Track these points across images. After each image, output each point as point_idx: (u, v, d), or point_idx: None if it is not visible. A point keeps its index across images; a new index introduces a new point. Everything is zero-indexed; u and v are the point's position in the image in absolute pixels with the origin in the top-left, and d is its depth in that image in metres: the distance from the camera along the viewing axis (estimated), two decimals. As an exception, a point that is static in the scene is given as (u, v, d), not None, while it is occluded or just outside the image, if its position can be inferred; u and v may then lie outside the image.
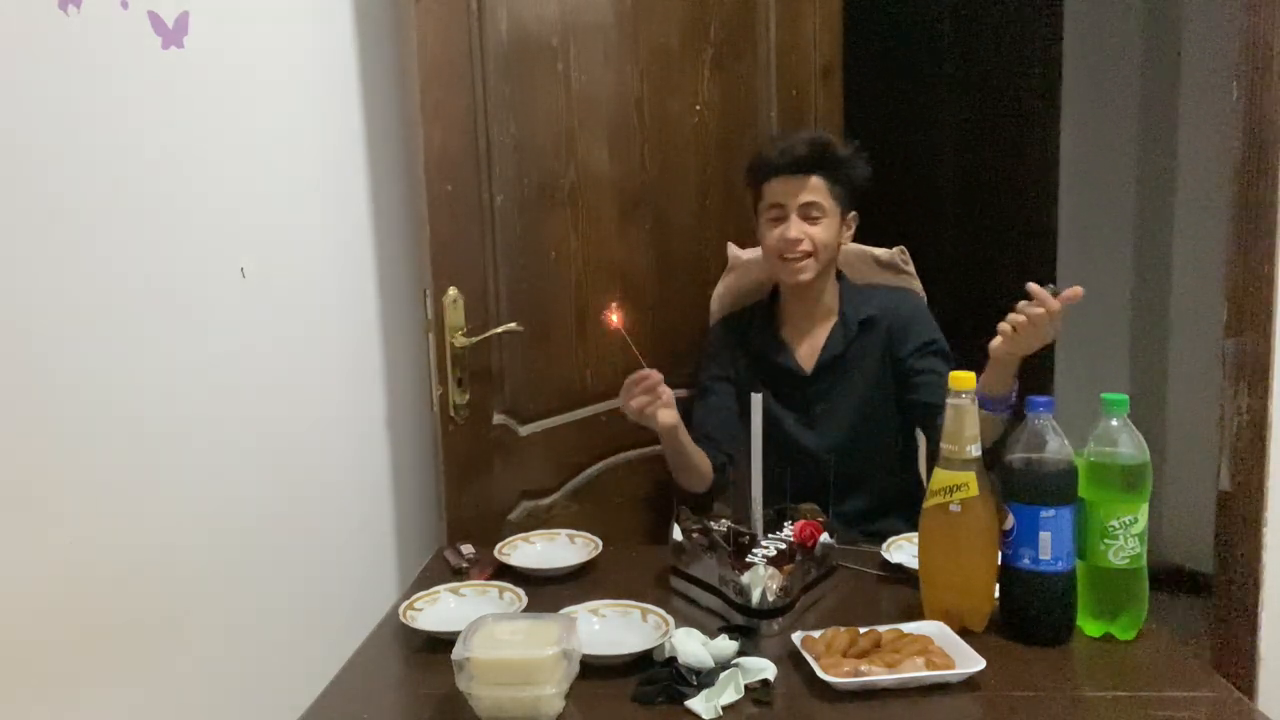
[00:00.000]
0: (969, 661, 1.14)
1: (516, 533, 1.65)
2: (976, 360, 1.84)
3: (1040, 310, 1.47)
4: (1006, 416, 1.61)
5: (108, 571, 1.20)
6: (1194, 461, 2.83)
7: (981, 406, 1.31)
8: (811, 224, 1.81)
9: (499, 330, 1.79)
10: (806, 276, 1.83)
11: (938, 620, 1.25)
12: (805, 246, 1.81)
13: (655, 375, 1.64)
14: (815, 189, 1.80)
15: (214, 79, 1.37)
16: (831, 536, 1.45)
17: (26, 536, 1.09)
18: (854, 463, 1.84)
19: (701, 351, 2.03)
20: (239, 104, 1.43)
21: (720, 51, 2.18)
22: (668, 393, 1.67)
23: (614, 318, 1.59)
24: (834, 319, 1.90)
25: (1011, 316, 1.51)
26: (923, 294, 2.05)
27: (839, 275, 1.94)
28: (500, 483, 1.87)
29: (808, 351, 1.90)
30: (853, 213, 1.88)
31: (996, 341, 1.54)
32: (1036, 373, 3.43)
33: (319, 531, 1.63)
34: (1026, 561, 1.23)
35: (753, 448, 1.47)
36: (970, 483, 1.24)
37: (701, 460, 1.82)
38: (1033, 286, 1.49)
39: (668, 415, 1.68)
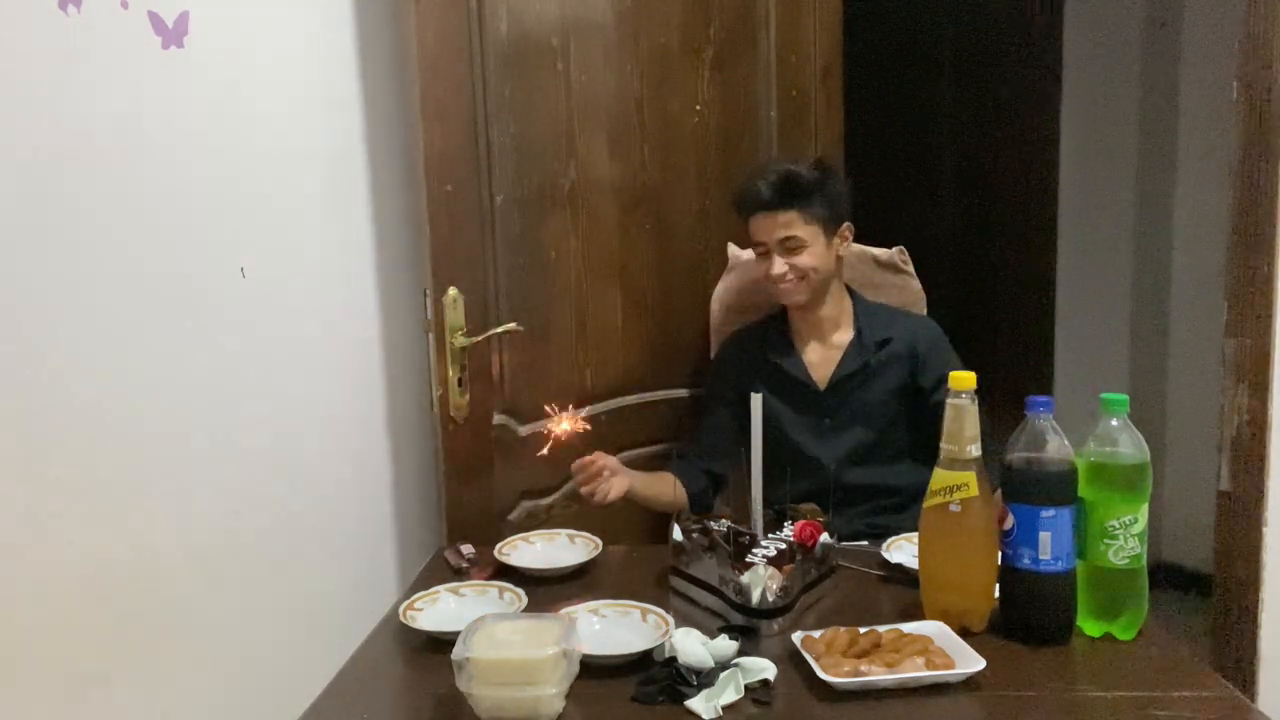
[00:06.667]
0: (969, 661, 1.14)
1: (516, 533, 1.65)
2: (977, 357, 1.84)
3: None
4: None
5: (107, 572, 1.20)
6: (1194, 461, 2.83)
7: None
8: (794, 255, 1.81)
9: (499, 330, 1.79)
10: (799, 298, 1.86)
11: (938, 620, 1.25)
12: (791, 277, 1.82)
13: (599, 462, 1.67)
14: (789, 223, 1.81)
15: (214, 79, 1.38)
16: (832, 537, 1.45)
17: (27, 538, 1.09)
18: (858, 475, 1.84)
19: (713, 363, 2.03)
20: (239, 104, 1.43)
21: (720, 51, 2.18)
22: (612, 462, 1.70)
23: (561, 427, 1.64)
24: (848, 336, 1.89)
25: None
26: (922, 293, 2.05)
27: (851, 292, 1.94)
28: (500, 483, 1.86)
29: (821, 365, 1.90)
30: (844, 225, 1.87)
31: None
32: (1037, 373, 3.45)
33: (319, 531, 1.63)
34: (1026, 561, 1.23)
35: (753, 448, 1.47)
36: (970, 483, 1.24)
37: (671, 496, 1.84)
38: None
39: (619, 488, 1.70)
